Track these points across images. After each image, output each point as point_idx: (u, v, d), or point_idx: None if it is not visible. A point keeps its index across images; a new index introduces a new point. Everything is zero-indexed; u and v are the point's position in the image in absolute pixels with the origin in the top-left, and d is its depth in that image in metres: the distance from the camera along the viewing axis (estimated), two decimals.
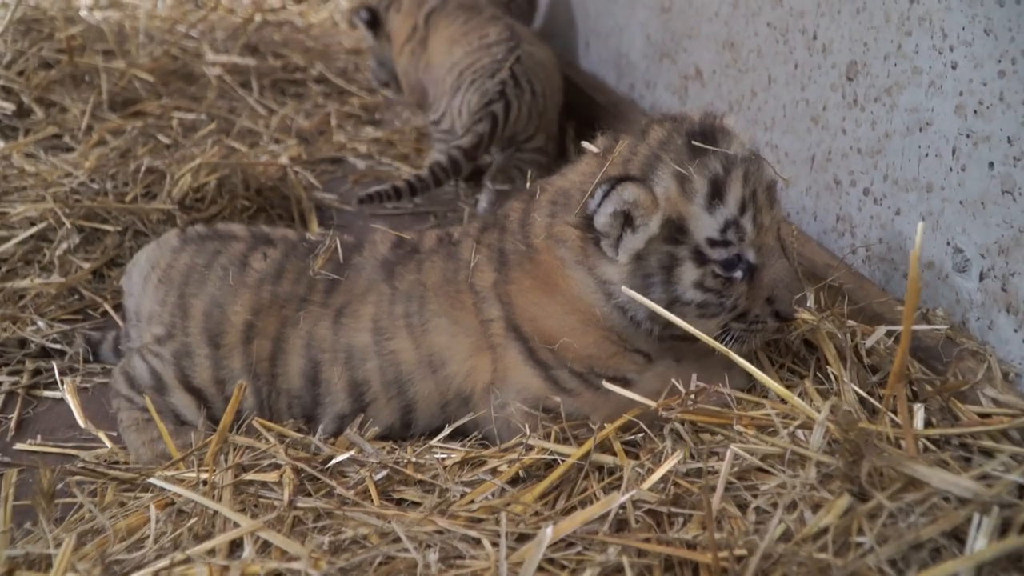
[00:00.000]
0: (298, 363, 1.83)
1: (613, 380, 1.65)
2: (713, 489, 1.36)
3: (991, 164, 1.64)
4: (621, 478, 1.49)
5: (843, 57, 2.06)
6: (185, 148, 3.09)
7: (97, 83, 3.51)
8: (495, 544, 1.29)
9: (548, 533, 1.25)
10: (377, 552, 1.27)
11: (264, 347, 1.84)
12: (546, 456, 1.58)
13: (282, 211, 3.01)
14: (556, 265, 1.73)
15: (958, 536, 1.21)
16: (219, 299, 1.87)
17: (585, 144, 1.79)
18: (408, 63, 3.65)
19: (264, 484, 1.54)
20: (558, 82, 3.41)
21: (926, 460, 1.31)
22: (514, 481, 1.56)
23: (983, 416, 1.51)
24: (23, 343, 2.23)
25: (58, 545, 1.37)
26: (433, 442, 1.73)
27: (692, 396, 1.58)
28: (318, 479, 1.55)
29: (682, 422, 1.56)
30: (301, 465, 1.56)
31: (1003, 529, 1.19)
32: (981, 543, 1.17)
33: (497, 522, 1.37)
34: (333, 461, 1.60)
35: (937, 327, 1.72)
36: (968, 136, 1.69)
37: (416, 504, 1.52)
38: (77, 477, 1.72)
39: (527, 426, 1.67)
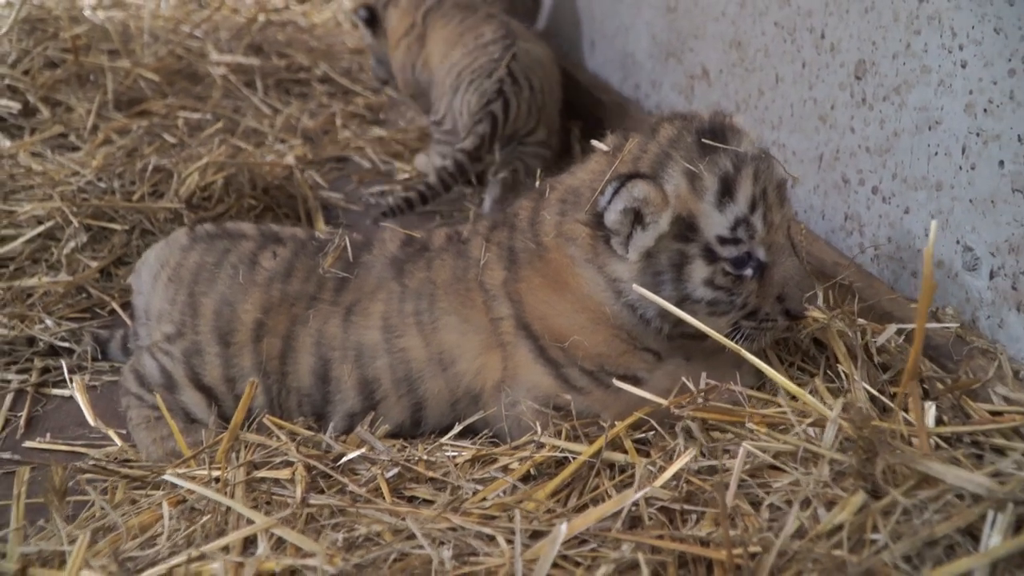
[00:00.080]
0: (308, 361, 1.83)
1: (623, 378, 1.65)
2: (726, 486, 1.36)
3: (1001, 163, 1.64)
4: (632, 476, 1.49)
5: (851, 56, 2.06)
6: (191, 147, 3.09)
7: (102, 82, 3.52)
8: (509, 541, 1.30)
9: (563, 529, 1.25)
10: (391, 549, 1.27)
11: (274, 345, 1.85)
12: (557, 454, 1.58)
13: (288, 210, 3.01)
14: (566, 263, 1.73)
15: (972, 533, 1.21)
16: (229, 297, 1.88)
17: (595, 142, 1.79)
18: (404, 57, 3.66)
19: (276, 481, 1.54)
20: (556, 77, 3.43)
21: (939, 458, 1.31)
22: (525, 479, 1.56)
23: (994, 414, 1.52)
24: (31, 341, 2.24)
25: (71, 542, 1.37)
26: (443, 440, 1.73)
27: (703, 394, 1.58)
28: (330, 476, 1.55)
29: (693, 420, 1.56)
30: (313, 462, 1.56)
31: (1017, 526, 1.19)
32: (996, 540, 1.17)
33: (510, 519, 1.37)
34: (344, 459, 1.61)
35: (947, 325, 1.72)
36: (978, 135, 1.69)
37: (428, 502, 1.52)
38: (87, 475, 1.72)
39: (538, 424, 1.67)
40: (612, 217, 1.62)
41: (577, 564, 1.27)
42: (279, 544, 1.34)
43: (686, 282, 1.64)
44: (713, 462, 1.46)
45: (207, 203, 2.81)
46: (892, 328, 1.72)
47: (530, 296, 1.75)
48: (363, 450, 1.63)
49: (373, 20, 3.86)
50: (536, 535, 1.34)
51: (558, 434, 1.64)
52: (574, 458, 1.54)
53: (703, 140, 1.62)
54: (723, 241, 1.61)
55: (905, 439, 1.40)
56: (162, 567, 1.28)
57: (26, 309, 2.34)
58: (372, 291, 1.86)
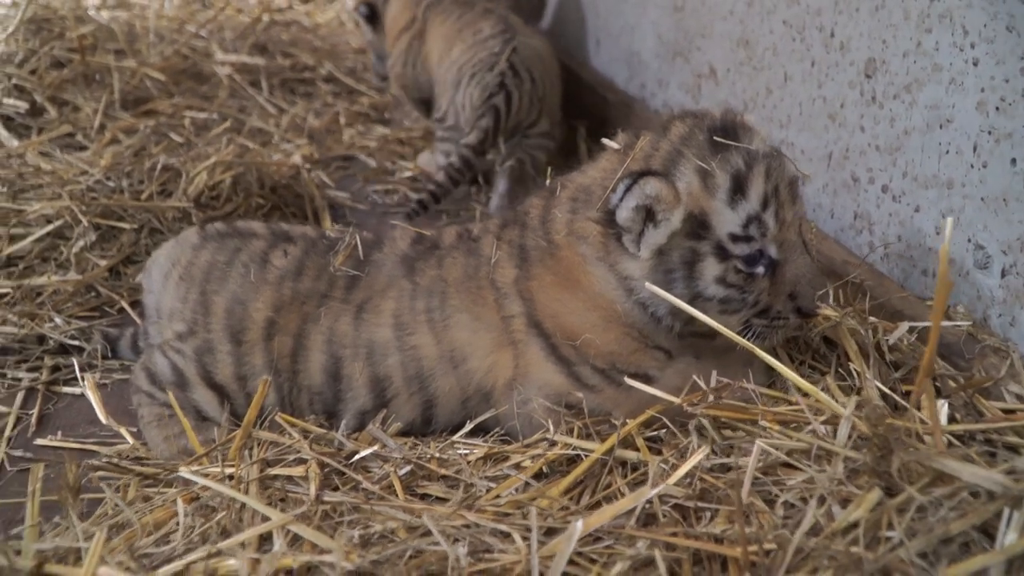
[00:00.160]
0: (319, 359, 1.84)
1: (635, 376, 1.65)
2: (740, 484, 1.36)
3: (1013, 160, 1.64)
4: (645, 474, 1.49)
5: (861, 54, 2.06)
6: (199, 147, 3.10)
7: (109, 82, 3.52)
8: (524, 538, 1.30)
9: (579, 526, 1.25)
10: (407, 546, 1.28)
11: (285, 343, 1.85)
12: (569, 452, 1.59)
13: (296, 209, 3.02)
14: (577, 261, 1.74)
15: (987, 531, 1.21)
16: (240, 296, 1.88)
17: (606, 140, 1.79)
18: (404, 52, 3.66)
19: (290, 479, 1.54)
20: (555, 69, 3.45)
21: (954, 455, 1.31)
22: (537, 476, 1.57)
23: (1007, 412, 1.52)
24: (41, 339, 2.24)
25: (87, 538, 1.37)
26: (455, 437, 1.74)
27: (716, 392, 1.58)
28: (343, 474, 1.56)
29: (706, 417, 1.56)
30: (326, 460, 1.56)
31: None
32: (1011, 538, 1.17)
33: (525, 516, 1.37)
34: (357, 456, 1.61)
35: (959, 324, 1.72)
36: (990, 133, 1.69)
37: (440, 499, 1.52)
38: (100, 472, 1.73)
39: (550, 422, 1.67)
40: (624, 214, 1.62)
41: (593, 561, 1.27)
42: (295, 541, 1.34)
43: (698, 280, 1.64)
44: (726, 460, 1.47)
45: (215, 202, 2.81)
46: (904, 326, 1.72)
47: (541, 294, 1.75)
48: (375, 448, 1.63)
49: (374, 16, 3.87)
50: (551, 532, 1.34)
51: (570, 432, 1.64)
52: (586, 456, 1.54)
53: (715, 138, 1.62)
54: (735, 238, 1.61)
55: (918, 437, 1.40)
56: (178, 564, 1.29)
57: (36, 307, 2.35)
58: (383, 289, 1.86)
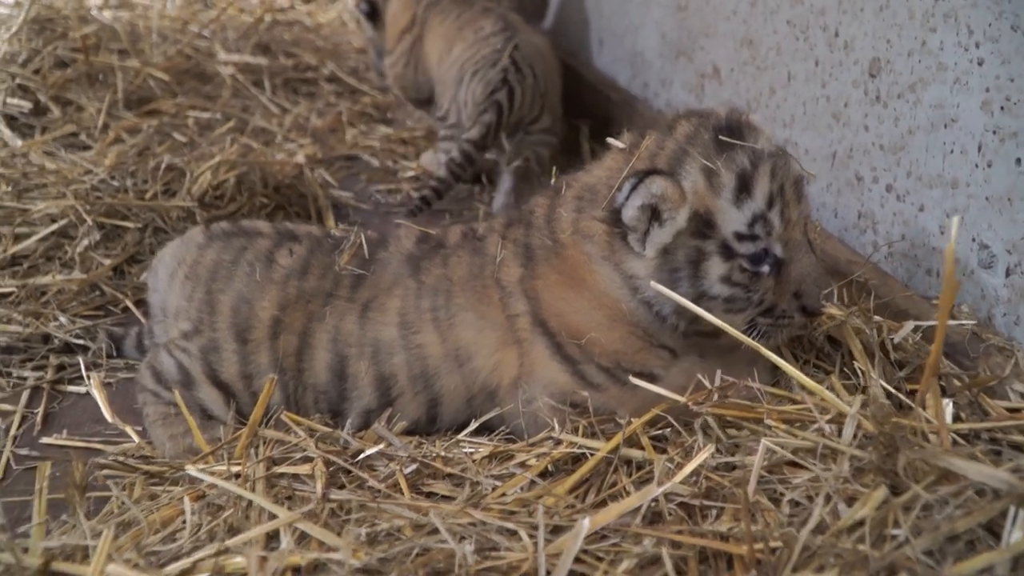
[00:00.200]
0: (325, 358, 1.84)
1: (639, 375, 1.65)
2: (746, 482, 1.36)
3: (1018, 160, 1.65)
4: (650, 472, 1.49)
5: (866, 54, 2.06)
6: (202, 146, 3.10)
7: (112, 82, 3.53)
8: (531, 536, 1.30)
9: (586, 524, 1.26)
10: (414, 543, 1.28)
11: (291, 342, 1.85)
12: (574, 450, 1.59)
13: (299, 208, 3.02)
14: (582, 260, 1.74)
15: (992, 529, 1.22)
16: (246, 295, 1.88)
17: (611, 140, 1.79)
18: (405, 52, 3.67)
19: (296, 477, 1.54)
20: (556, 65, 3.46)
21: (959, 454, 1.32)
22: (543, 475, 1.57)
23: (1012, 411, 1.52)
24: (46, 338, 2.24)
25: (95, 536, 1.38)
26: (460, 436, 1.74)
27: (721, 391, 1.59)
28: (349, 472, 1.56)
29: (711, 416, 1.56)
30: (332, 458, 1.57)
31: None
32: (1017, 536, 1.17)
33: (531, 514, 1.38)
34: (362, 455, 1.61)
35: (964, 323, 1.72)
36: (995, 132, 1.69)
37: (446, 497, 1.52)
38: (106, 471, 1.73)
39: (555, 421, 1.67)
40: (629, 213, 1.62)
41: (599, 559, 1.27)
42: (302, 539, 1.34)
43: (703, 279, 1.64)
44: (731, 459, 1.47)
45: (219, 201, 2.82)
46: (909, 325, 1.73)
47: (546, 293, 1.76)
48: (381, 446, 1.63)
49: (374, 14, 3.88)
50: (557, 530, 1.34)
51: (575, 431, 1.64)
52: (591, 455, 1.54)
53: (720, 137, 1.62)
54: (740, 237, 1.61)
55: (923, 436, 1.40)
56: (186, 561, 1.29)
57: (41, 306, 2.35)
58: (388, 288, 1.86)
